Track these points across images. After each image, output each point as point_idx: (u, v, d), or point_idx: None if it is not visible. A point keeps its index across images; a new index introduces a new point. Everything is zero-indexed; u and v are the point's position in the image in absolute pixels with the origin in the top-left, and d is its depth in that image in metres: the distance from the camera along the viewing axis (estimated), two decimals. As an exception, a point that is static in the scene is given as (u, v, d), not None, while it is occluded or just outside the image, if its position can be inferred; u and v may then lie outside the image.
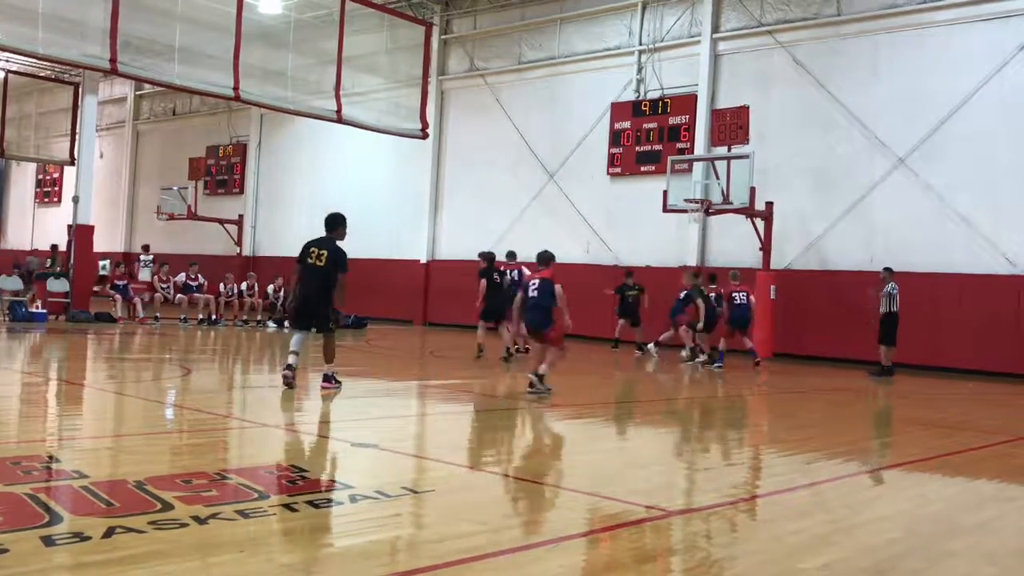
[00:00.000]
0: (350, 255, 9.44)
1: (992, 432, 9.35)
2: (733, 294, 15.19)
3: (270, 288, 20.90)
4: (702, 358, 15.67)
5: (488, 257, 14.76)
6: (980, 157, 16.27)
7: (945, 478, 6.82)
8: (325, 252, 9.25)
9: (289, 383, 9.16)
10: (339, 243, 9.40)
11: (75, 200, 19.49)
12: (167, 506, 4.32)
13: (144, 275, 20.55)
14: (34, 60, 21.91)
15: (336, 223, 9.52)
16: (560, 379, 10.34)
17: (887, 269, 15.23)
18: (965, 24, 16.66)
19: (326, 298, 9.26)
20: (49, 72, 29.24)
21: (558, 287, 9.98)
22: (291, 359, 9.27)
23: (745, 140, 17.21)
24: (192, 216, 27.75)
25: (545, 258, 10.36)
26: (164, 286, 20.75)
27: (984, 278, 16.00)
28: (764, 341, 16.80)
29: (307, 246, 9.40)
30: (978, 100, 16.31)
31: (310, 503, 4.61)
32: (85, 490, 4.59)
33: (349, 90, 19.73)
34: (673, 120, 20.12)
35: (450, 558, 3.79)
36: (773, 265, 17.64)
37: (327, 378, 9.41)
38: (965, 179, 16.40)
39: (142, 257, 21.59)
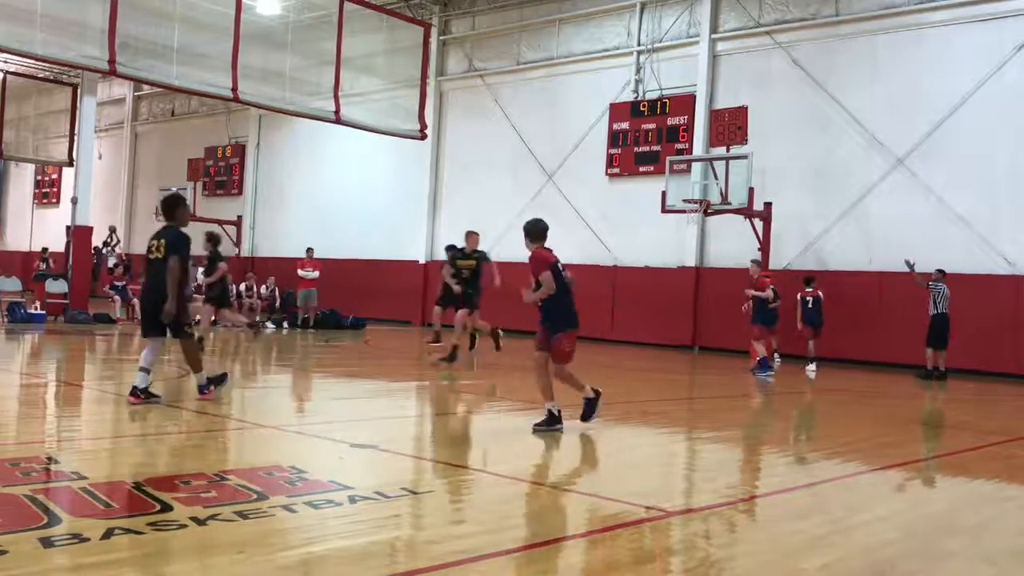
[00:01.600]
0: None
1: (991, 432, 9.36)
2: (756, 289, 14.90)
3: (263, 288, 20.90)
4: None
5: (214, 239, 14.00)
6: (978, 157, 16.29)
7: (944, 478, 6.83)
8: (163, 241, 7.95)
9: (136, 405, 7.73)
10: (182, 229, 8.07)
11: (74, 201, 19.49)
12: (166, 507, 4.32)
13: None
14: (32, 61, 21.87)
15: (172, 206, 8.18)
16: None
17: (939, 271, 15.21)
18: (963, 24, 16.68)
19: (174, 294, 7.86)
20: (47, 73, 29.18)
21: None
22: (138, 378, 7.85)
23: (743, 140, 17.21)
24: (191, 217, 27.68)
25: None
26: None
27: (982, 278, 16.00)
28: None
29: (149, 242, 8.16)
30: (976, 100, 16.32)
31: (309, 504, 4.60)
32: (84, 491, 4.59)
33: (348, 91, 19.72)
34: (672, 121, 20.12)
35: (450, 559, 3.79)
36: (771, 266, 17.60)
37: (202, 389, 8.26)
38: (963, 179, 16.41)
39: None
